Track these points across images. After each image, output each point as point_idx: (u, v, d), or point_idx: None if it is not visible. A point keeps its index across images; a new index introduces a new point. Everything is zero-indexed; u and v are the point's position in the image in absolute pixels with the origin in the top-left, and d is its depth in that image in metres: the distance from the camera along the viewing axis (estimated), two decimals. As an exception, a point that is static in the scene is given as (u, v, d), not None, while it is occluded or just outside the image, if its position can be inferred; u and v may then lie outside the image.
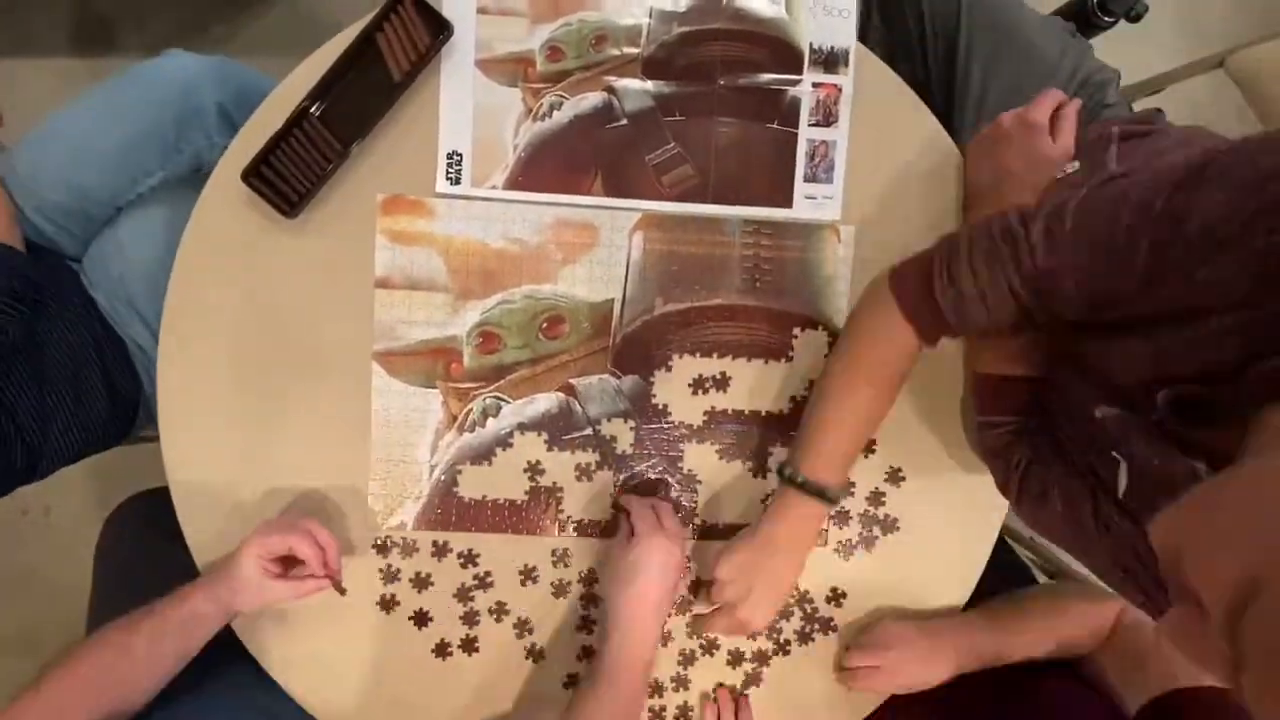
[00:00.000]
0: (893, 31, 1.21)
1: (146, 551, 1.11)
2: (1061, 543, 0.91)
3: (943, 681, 1.01)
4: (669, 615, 1.03)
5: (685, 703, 1.07)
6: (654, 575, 0.94)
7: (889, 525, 1.07)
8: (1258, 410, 0.60)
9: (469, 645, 1.04)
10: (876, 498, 1.07)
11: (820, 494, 0.94)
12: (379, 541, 1.02)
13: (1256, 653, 0.42)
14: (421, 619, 1.03)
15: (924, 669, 1.01)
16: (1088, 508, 0.84)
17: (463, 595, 1.03)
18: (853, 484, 1.05)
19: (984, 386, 0.99)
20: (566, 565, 1.05)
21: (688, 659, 1.06)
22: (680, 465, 1.05)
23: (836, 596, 1.07)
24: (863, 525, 1.07)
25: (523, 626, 1.05)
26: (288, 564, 0.94)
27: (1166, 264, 0.68)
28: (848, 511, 1.07)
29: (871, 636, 1.05)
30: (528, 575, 1.04)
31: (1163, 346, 0.70)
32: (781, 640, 1.07)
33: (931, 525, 1.07)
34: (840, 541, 1.07)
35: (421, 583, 1.03)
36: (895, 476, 1.07)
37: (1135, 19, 1.62)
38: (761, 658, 1.07)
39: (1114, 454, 0.79)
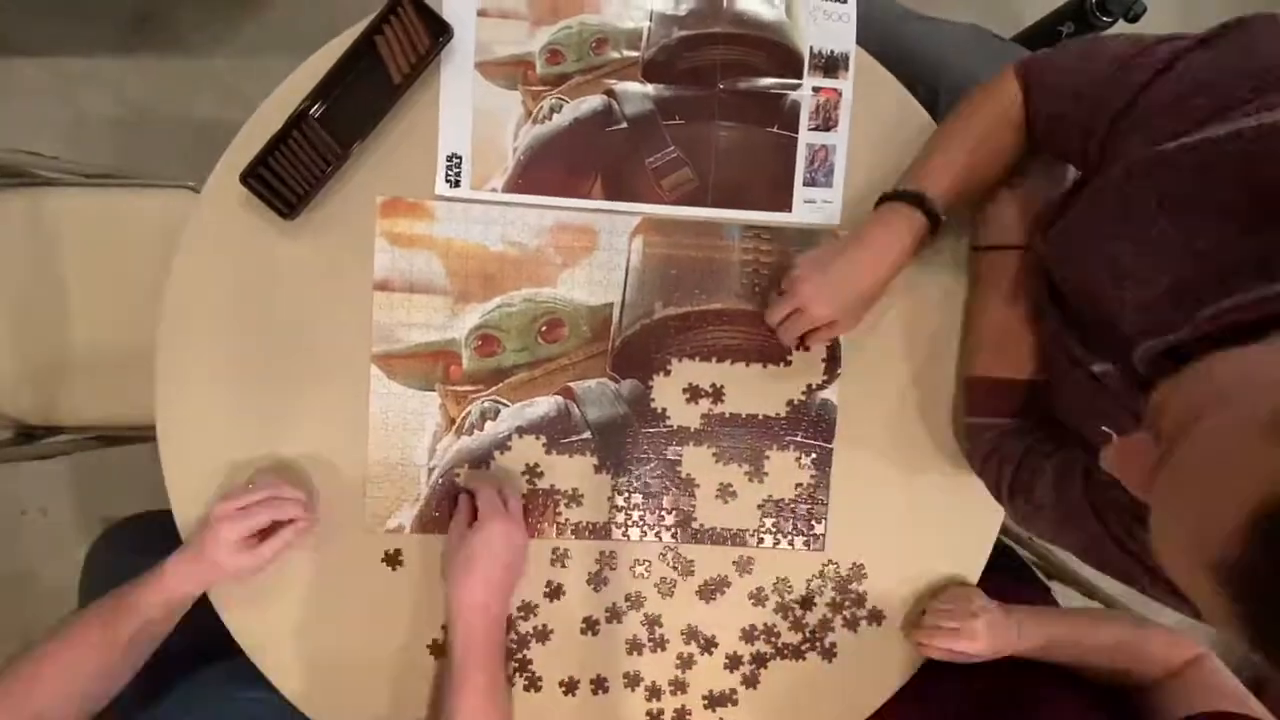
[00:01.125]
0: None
1: (140, 572, 1.11)
2: (1054, 534, 0.91)
3: (1002, 656, 1.00)
4: (511, 597, 1.02)
5: (683, 706, 1.06)
6: (494, 560, 0.94)
7: (885, 532, 1.07)
8: None
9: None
10: (870, 517, 1.07)
11: (919, 201, 0.91)
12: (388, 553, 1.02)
13: (1181, 450, 0.49)
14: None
15: (997, 638, 1.00)
16: (1078, 485, 0.85)
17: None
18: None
19: (976, 389, 1.00)
20: (564, 566, 1.05)
21: (685, 662, 1.06)
22: (678, 469, 1.05)
23: (838, 593, 1.07)
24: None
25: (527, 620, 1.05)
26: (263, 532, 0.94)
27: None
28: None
29: (953, 597, 1.03)
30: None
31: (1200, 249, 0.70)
32: (780, 644, 1.07)
33: (930, 528, 1.07)
34: (835, 557, 1.07)
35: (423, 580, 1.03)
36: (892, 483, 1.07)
37: (1134, 19, 1.62)
38: (759, 660, 1.07)
39: (1103, 428, 0.80)
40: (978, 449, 1.00)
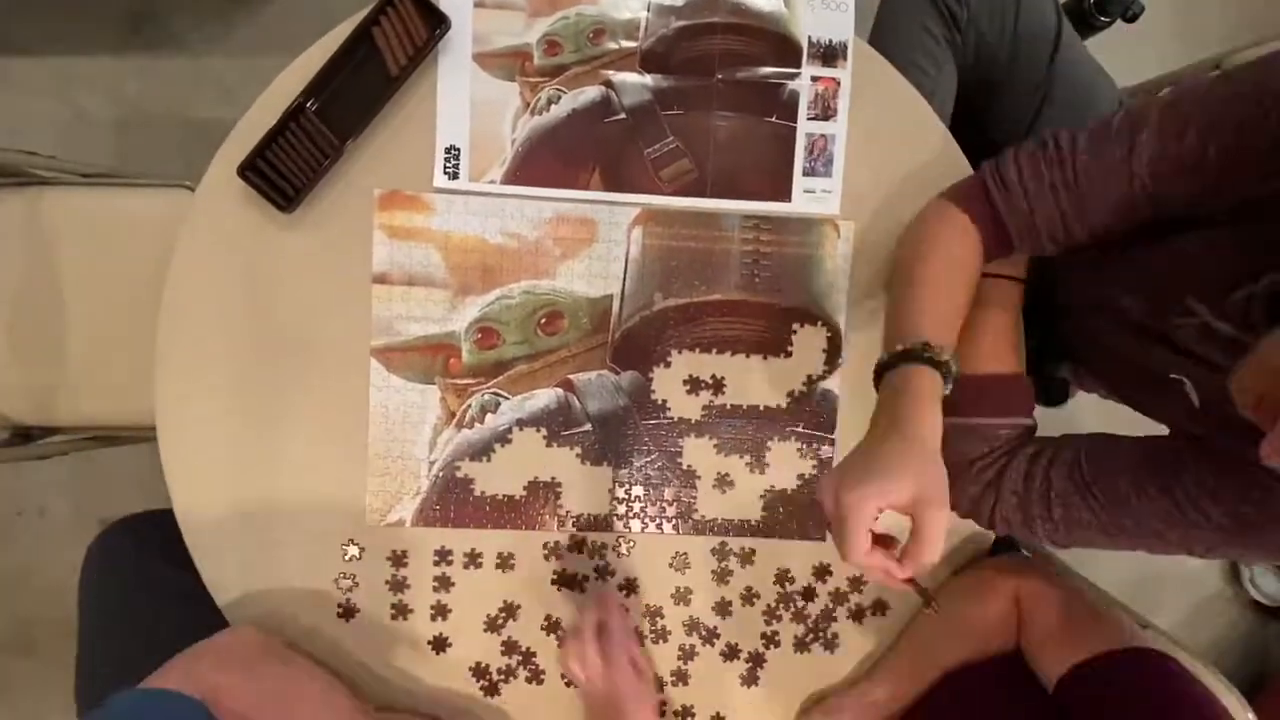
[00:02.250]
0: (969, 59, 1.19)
1: (140, 575, 1.10)
2: (1106, 526, 0.87)
3: None
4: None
5: (685, 697, 1.06)
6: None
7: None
8: None
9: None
10: None
11: (931, 360, 0.82)
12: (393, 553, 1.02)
13: None
14: (422, 613, 1.03)
15: None
16: (1132, 457, 0.85)
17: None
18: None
19: (966, 387, 0.94)
20: (565, 558, 1.04)
21: (687, 654, 1.06)
22: (679, 461, 1.05)
23: (840, 584, 1.07)
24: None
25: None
26: None
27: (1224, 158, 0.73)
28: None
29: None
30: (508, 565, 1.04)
31: (1243, 238, 0.74)
32: (782, 635, 1.07)
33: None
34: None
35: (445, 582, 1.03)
36: None
37: (1132, 19, 1.62)
38: (761, 651, 1.07)
39: (1172, 375, 0.82)
40: (966, 490, 0.95)
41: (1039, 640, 0.93)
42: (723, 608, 1.06)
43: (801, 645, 1.07)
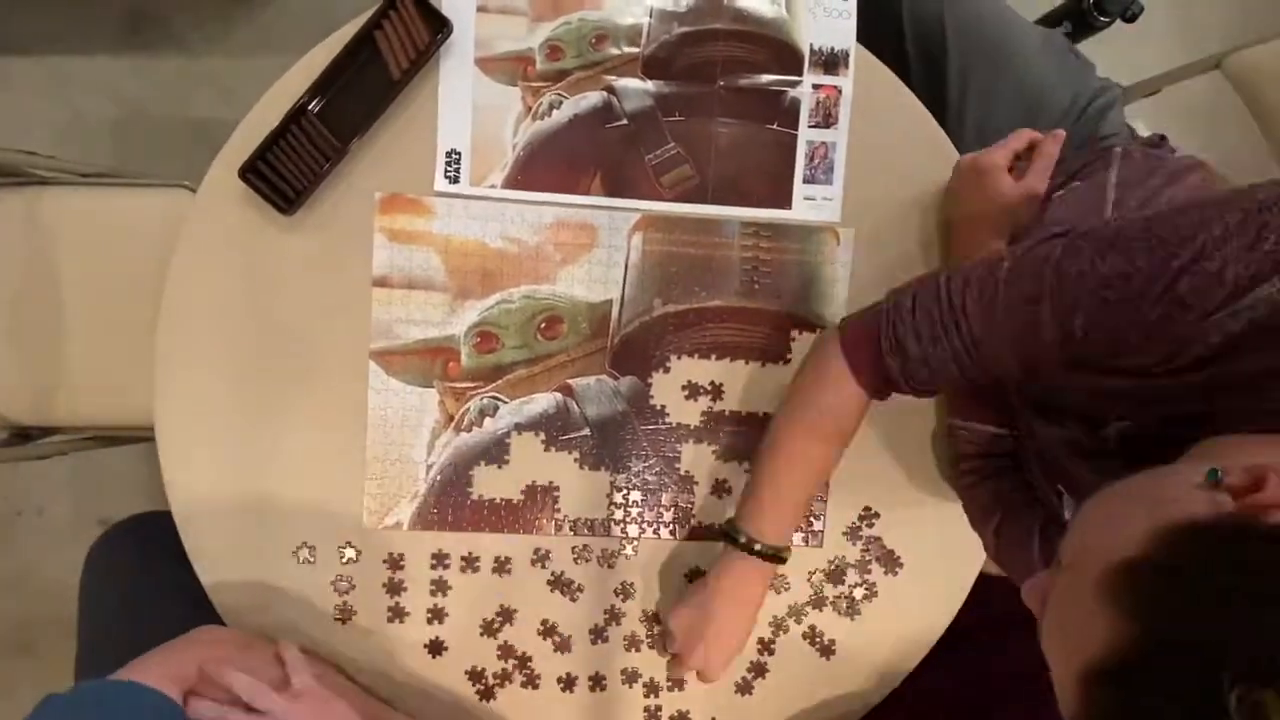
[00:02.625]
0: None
1: (141, 575, 1.10)
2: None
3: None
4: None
5: (681, 703, 1.06)
6: None
7: (877, 548, 1.07)
8: (1195, 443, 0.64)
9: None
10: (854, 531, 1.07)
11: (763, 555, 0.94)
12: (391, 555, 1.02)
13: (1051, 597, 0.56)
14: (434, 620, 1.03)
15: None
16: (1035, 542, 0.89)
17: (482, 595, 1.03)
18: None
19: (959, 435, 1.01)
20: (562, 563, 1.04)
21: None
22: (678, 466, 1.05)
23: (837, 589, 1.07)
24: (855, 552, 1.07)
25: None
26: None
27: (1103, 332, 0.68)
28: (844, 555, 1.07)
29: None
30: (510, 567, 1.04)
31: (1116, 393, 0.72)
32: (779, 640, 1.07)
33: (929, 525, 1.07)
34: (830, 559, 1.07)
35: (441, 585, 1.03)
36: (869, 512, 1.08)
37: (1131, 19, 1.62)
38: (758, 655, 1.07)
39: (1058, 486, 0.84)
40: (966, 495, 1.01)
41: None
42: (720, 613, 1.06)
43: (797, 652, 1.07)
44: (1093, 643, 0.49)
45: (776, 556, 0.95)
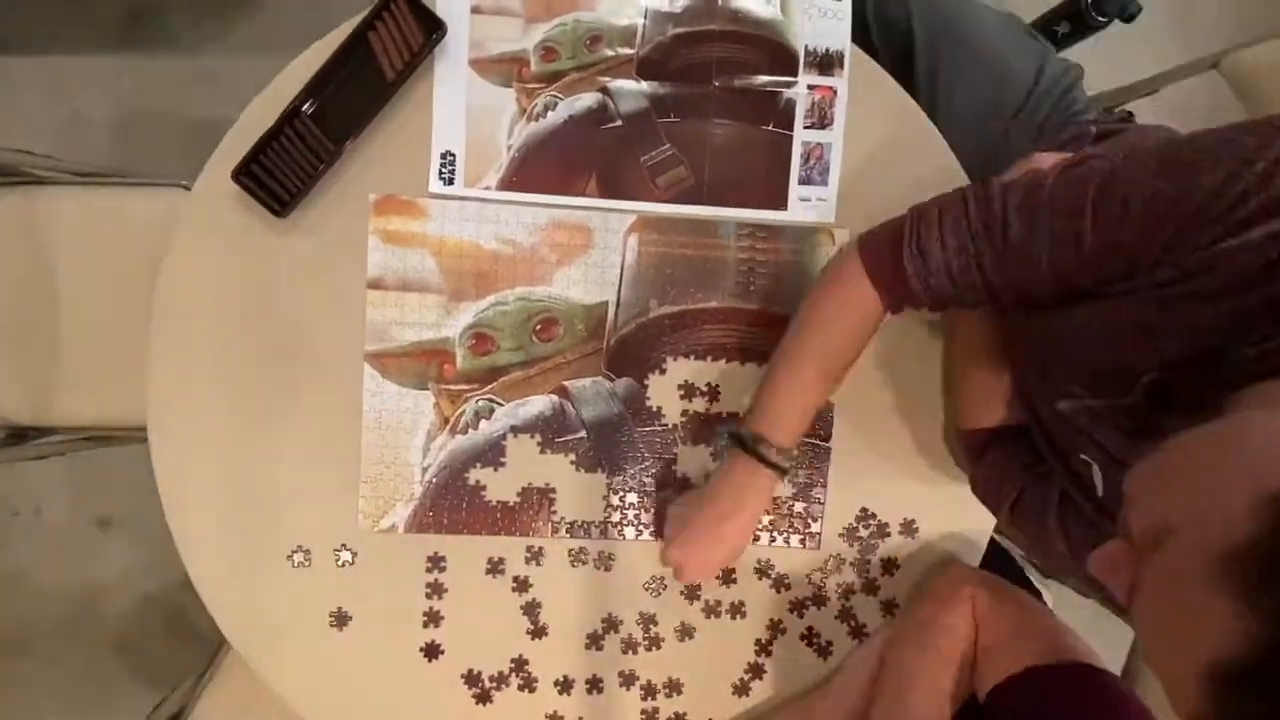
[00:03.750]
0: None
1: None
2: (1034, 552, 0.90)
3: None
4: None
5: (678, 705, 1.06)
6: None
7: (881, 531, 1.07)
8: (1235, 391, 0.60)
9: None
10: (850, 532, 1.07)
11: (767, 461, 0.93)
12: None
13: (1147, 582, 0.49)
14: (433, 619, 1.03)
15: None
16: (1052, 514, 0.87)
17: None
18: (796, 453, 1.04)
19: (970, 439, 0.99)
20: (559, 566, 1.04)
21: (680, 662, 1.06)
22: (674, 468, 1.05)
23: (834, 592, 1.07)
24: (857, 539, 1.07)
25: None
26: None
27: (1155, 243, 0.66)
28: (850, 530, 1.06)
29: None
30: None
31: (1145, 325, 0.69)
32: (777, 642, 1.07)
33: (927, 526, 1.07)
34: (826, 559, 1.07)
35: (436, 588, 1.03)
36: (866, 513, 1.07)
37: (1129, 19, 1.62)
38: (756, 658, 1.07)
39: (1082, 457, 0.80)
40: (990, 491, 0.99)
41: (982, 648, 0.90)
42: (715, 615, 1.06)
43: (795, 653, 1.07)
44: (1211, 638, 0.44)
45: (779, 466, 0.94)
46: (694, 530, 0.97)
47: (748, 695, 1.07)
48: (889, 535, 1.07)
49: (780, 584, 1.06)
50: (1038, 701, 0.80)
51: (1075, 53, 1.60)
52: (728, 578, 1.05)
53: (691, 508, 0.98)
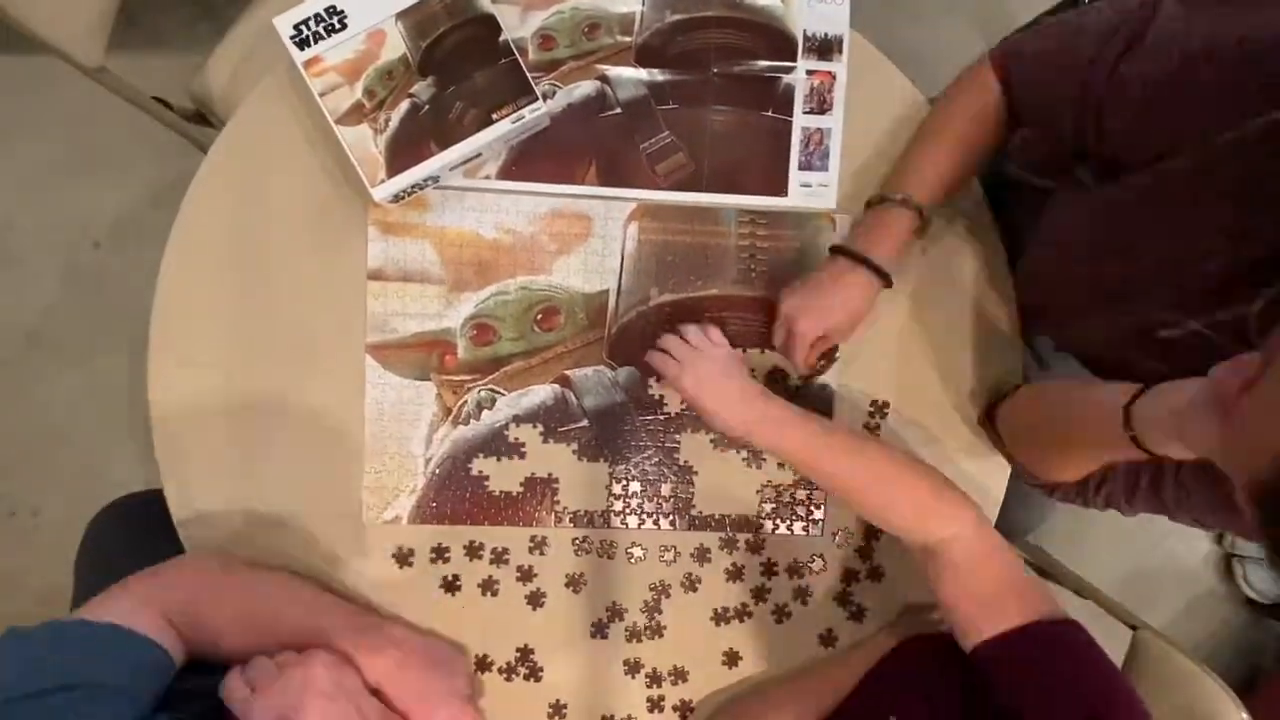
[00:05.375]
0: None
1: (137, 553, 1.09)
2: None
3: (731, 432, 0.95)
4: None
5: (683, 692, 1.06)
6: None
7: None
8: None
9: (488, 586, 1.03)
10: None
11: (868, 262, 0.94)
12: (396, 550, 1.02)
13: (1272, 376, 0.55)
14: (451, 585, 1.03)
15: (722, 403, 0.95)
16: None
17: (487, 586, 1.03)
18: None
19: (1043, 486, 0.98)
20: (562, 554, 1.04)
21: (684, 651, 1.06)
22: (676, 456, 1.05)
23: (838, 579, 1.07)
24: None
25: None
26: None
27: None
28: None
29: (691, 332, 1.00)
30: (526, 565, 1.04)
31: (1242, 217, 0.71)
32: (780, 630, 1.06)
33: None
34: (834, 541, 1.07)
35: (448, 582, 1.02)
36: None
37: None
38: (761, 656, 1.06)
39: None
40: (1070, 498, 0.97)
41: (965, 596, 0.88)
42: (721, 604, 1.06)
43: (798, 640, 1.07)
44: None
45: (881, 271, 0.95)
46: (811, 288, 0.97)
47: (752, 682, 1.07)
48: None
49: (783, 570, 1.06)
50: (1042, 657, 0.82)
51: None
52: (736, 575, 1.05)
53: (806, 294, 0.97)
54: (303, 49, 0.92)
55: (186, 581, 0.87)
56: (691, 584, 1.05)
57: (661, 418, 1.04)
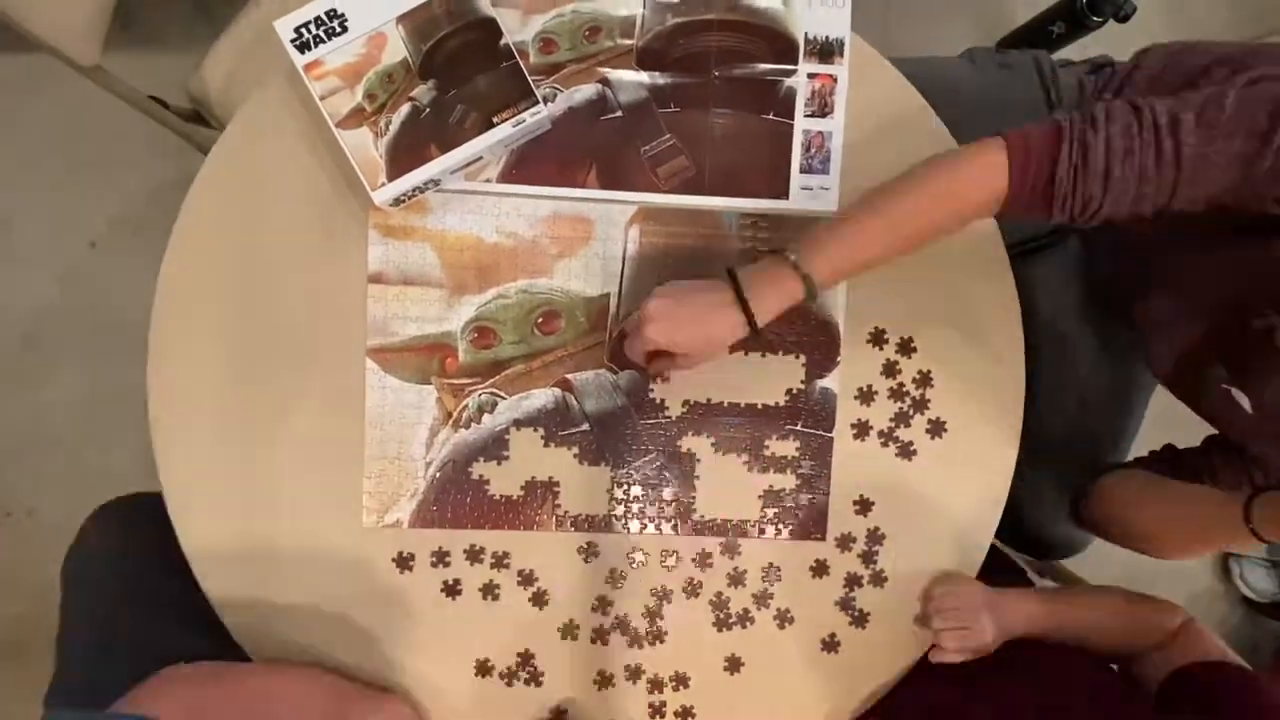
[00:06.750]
0: None
1: (127, 561, 1.08)
2: None
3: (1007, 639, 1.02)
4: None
5: (685, 698, 1.06)
6: None
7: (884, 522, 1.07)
8: None
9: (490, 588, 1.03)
10: (867, 504, 1.07)
11: (795, 267, 0.87)
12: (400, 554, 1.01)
13: None
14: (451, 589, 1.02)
15: (1002, 623, 1.01)
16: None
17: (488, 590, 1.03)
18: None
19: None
20: (563, 559, 1.04)
21: (686, 655, 1.06)
22: (678, 460, 1.05)
23: (840, 584, 1.07)
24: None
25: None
26: None
27: None
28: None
29: (955, 599, 1.02)
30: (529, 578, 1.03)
31: None
32: (782, 635, 1.06)
33: (930, 518, 1.07)
34: (835, 547, 1.07)
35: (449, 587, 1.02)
36: (907, 449, 1.06)
37: (1124, 19, 1.63)
38: (761, 652, 1.06)
39: (1222, 386, 0.89)
40: None
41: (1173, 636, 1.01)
42: (722, 609, 1.06)
43: (801, 647, 1.07)
44: None
45: (809, 280, 0.87)
46: (684, 301, 0.90)
47: (754, 687, 1.06)
48: (895, 526, 1.07)
49: (784, 576, 1.06)
50: (1219, 690, 0.91)
51: (1070, 52, 1.61)
52: (738, 579, 1.05)
53: (681, 290, 0.91)
54: (303, 52, 0.92)
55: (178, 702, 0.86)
56: (693, 589, 1.05)
57: (663, 421, 1.04)
